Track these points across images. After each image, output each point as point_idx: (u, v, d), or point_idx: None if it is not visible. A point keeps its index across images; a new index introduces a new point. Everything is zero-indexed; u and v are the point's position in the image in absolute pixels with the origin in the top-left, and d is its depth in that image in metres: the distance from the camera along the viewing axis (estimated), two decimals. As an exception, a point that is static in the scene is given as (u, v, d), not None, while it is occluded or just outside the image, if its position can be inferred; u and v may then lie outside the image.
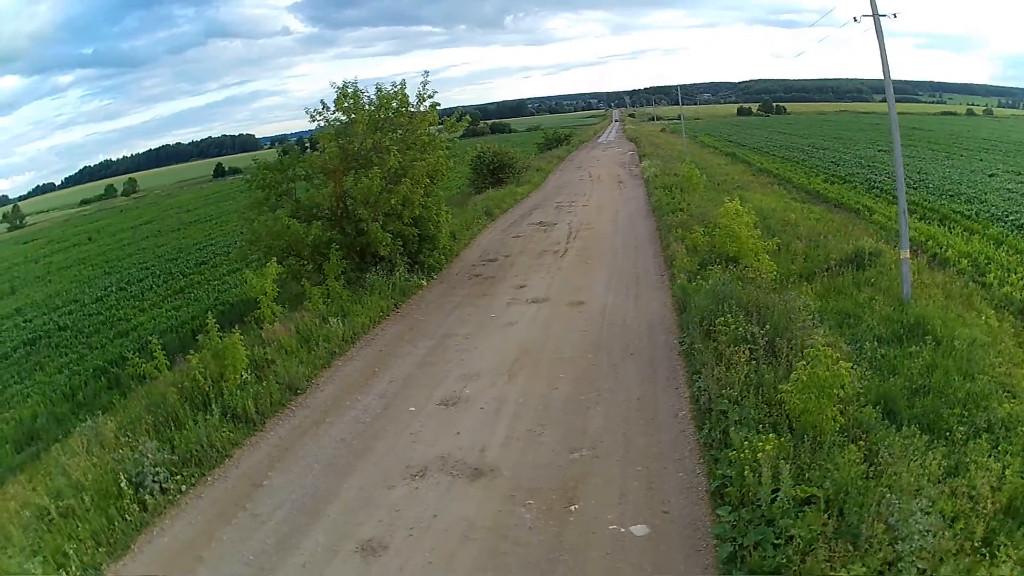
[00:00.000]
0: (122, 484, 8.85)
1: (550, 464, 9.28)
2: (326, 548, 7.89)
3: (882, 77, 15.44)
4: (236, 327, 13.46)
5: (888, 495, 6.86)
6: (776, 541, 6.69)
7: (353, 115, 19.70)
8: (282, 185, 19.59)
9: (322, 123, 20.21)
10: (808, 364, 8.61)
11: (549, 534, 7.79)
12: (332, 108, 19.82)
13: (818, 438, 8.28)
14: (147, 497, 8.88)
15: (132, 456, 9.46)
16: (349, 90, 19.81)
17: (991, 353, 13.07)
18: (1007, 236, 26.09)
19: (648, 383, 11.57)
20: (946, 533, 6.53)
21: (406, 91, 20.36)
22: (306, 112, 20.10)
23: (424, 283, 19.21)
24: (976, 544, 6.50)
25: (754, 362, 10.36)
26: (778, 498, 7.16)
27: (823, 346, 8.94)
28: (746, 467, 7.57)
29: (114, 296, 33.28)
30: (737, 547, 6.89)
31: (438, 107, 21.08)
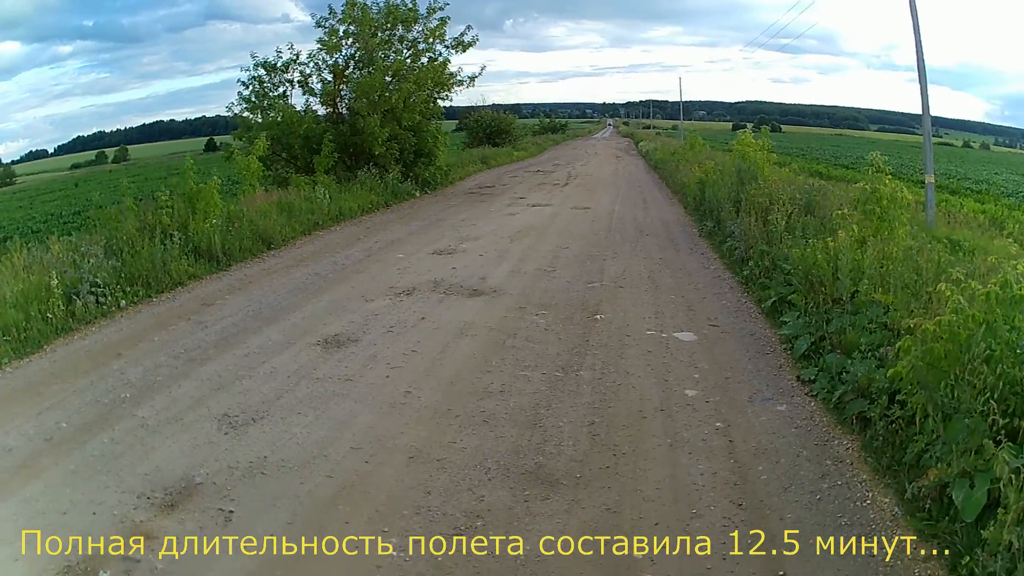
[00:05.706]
0: (53, 283, 7.34)
1: (565, 290, 7.97)
2: (278, 343, 6.45)
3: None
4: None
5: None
6: (869, 326, 5.39)
7: (359, 26, 18.51)
8: (278, 88, 18.38)
9: (325, 31, 18.94)
10: (867, 183, 7.23)
11: (571, 335, 6.47)
12: (339, 15, 18.59)
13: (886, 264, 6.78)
14: (78, 303, 7.42)
15: (73, 260, 8.02)
16: (358, 1, 18.62)
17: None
18: (1021, 204, 24.66)
19: (670, 251, 10.32)
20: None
21: (416, 5, 19.18)
22: (311, 17, 18.90)
23: (417, 194, 17.83)
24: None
25: (793, 215, 9.04)
26: (858, 294, 5.86)
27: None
28: (819, 254, 6.25)
29: (92, 210, 32.03)
30: (817, 339, 5.67)
31: (448, 21, 19.82)
